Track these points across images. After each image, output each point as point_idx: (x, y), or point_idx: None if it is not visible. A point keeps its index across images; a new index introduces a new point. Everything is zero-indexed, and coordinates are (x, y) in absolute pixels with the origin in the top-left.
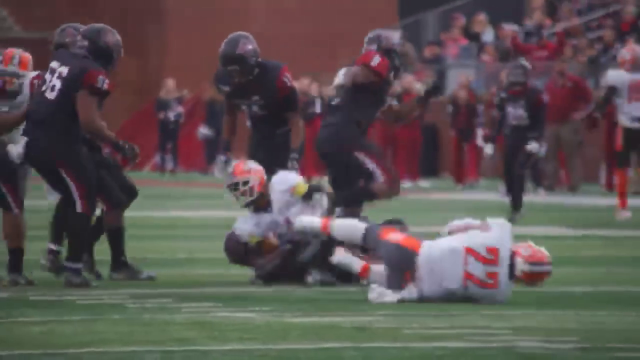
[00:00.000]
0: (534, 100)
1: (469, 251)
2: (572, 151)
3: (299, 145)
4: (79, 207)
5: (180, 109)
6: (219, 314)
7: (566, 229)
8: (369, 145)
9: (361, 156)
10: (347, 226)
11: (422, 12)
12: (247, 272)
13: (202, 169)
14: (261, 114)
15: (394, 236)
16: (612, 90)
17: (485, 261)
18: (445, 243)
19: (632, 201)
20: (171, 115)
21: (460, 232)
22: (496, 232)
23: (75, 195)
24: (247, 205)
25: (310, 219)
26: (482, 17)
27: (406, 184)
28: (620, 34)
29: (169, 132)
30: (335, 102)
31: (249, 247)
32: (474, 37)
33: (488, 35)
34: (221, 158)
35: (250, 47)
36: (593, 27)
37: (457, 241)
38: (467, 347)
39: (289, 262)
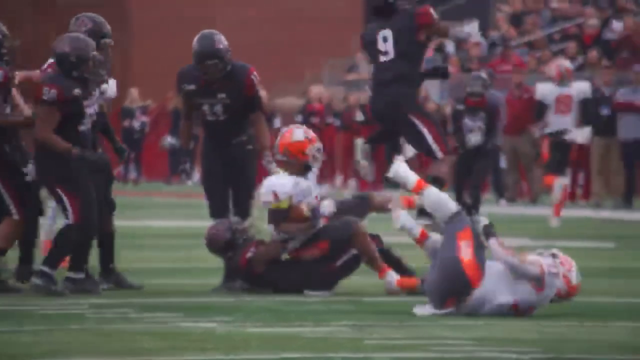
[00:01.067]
0: (491, 112)
1: (515, 307)
2: (530, 163)
3: (268, 144)
4: (71, 218)
5: (144, 119)
6: (180, 324)
7: (528, 240)
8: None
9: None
10: (440, 200)
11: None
12: (209, 281)
13: (166, 179)
14: (220, 119)
15: (465, 252)
16: (542, 104)
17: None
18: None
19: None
20: (135, 125)
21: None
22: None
23: (68, 205)
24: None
25: (406, 173)
26: None
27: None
28: (583, 47)
29: (133, 142)
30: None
31: (231, 241)
32: (437, 48)
33: (451, 47)
34: (184, 166)
35: (225, 43)
36: (556, 40)
37: (510, 294)
38: (427, 357)
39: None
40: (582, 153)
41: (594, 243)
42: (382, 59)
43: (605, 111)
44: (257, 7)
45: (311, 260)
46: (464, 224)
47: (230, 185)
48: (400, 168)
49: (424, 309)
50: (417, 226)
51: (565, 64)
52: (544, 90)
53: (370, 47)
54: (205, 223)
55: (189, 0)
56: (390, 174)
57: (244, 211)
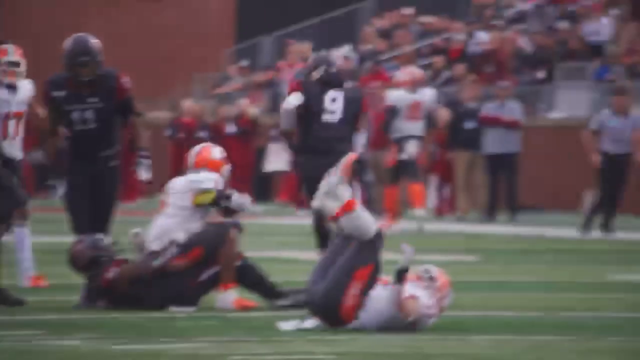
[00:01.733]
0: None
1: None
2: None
3: (145, 146)
4: None
5: None
6: (42, 342)
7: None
8: None
9: None
10: (363, 224)
11: (259, 36)
12: (72, 298)
13: (31, 195)
14: (90, 128)
15: (351, 294)
16: (392, 110)
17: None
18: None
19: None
20: None
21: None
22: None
23: None
24: None
25: (343, 188)
26: (302, 45)
27: None
28: (450, 61)
29: None
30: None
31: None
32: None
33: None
34: (51, 181)
35: (98, 45)
36: (424, 54)
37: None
38: None
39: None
40: (447, 167)
41: (458, 257)
42: (327, 118)
43: (469, 125)
44: (127, 22)
45: (175, 276)
46: (370, 259)
47: (93, 201)
48: (336, 180)
49: (288, 324)
50: None
51: (416, 71)
52: (396, 96)
53: (314, 100)
54: (68, 239)
55: (61, 11)
56: (324, 187)
57: (105, 228)
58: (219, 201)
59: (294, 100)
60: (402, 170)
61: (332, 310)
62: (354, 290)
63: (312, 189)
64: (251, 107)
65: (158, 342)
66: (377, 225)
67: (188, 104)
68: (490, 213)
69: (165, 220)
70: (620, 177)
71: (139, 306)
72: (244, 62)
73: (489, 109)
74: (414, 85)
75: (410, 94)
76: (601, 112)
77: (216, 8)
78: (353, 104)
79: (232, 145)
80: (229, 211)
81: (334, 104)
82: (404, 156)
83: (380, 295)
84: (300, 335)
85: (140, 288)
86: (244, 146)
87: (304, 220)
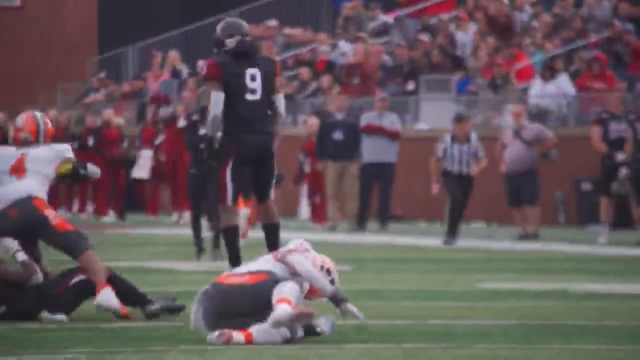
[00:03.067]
0: None
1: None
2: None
3: None
4: None
5: None
6: None
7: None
8: None
9: None
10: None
11: (122, 46)
12: None
13: None
14: None
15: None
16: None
17: None
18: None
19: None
20: None
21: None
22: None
23: None
24: None
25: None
26: (173, 54)
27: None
28: (316, 73)
29: None
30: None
31: None
32: (175, 73)
33: (186, 72)
34: None
35: None
36: (290, 66)
37: None
38: None
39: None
40: (317, 177)
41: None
42: (250, 97)
43: (337, 136)
44: None
45: (46, 284)
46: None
47: None
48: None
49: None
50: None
51: None
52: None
53: (235, 80)
54: None
55: None
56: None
57: None
58: (78, 169)
59: (219, 100)
60: None
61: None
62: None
63: (240, 175)
64: (116, 118)
65: (29, 353)
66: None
67: (52, 114)
68: (360, 222)
69: (26, 184)
70: (465, 190)
71: (10, 310)
72: (103, 73)
73: (368, 119)
74: None
75: None
76: (444, 139)
77: (78, 18)
78: (269, 77)
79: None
80: (80, 178)
81: (253, 82)
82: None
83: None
84: (173, 345)
85: (7, 297)
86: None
87: (178, 229)
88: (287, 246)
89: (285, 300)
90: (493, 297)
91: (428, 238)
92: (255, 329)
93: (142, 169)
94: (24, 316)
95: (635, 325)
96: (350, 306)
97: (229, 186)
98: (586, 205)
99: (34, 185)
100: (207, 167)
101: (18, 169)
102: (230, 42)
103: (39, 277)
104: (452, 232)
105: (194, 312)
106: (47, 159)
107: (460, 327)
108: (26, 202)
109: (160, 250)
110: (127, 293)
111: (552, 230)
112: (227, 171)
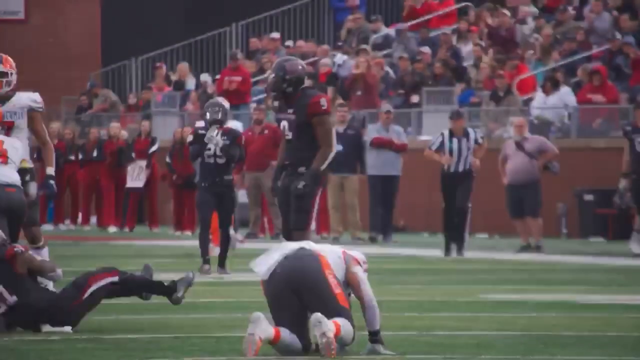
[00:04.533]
0: (234, 139)
1: None
2: (272, 198)
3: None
4: None
5: None
6: None
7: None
8: None
9: None
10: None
11: (126, 59)
12: None
13: None
14: None
15: None
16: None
17: None
18: None
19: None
20: None
21: None
22: None
23: None
24: None
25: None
26: (183, 66)
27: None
28: (318, 85)
29: None
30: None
31: None
32: (178, 85)
33: (191, 84)
34: None
35: None
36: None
37: None
38: None
39: None
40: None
41: None
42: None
43: (337, 148)
44: None
45: (61, 297)
46: None
47: None
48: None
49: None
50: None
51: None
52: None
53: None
54: None
55: None
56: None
57: None
58: (24, 175)
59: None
60: None
61: None
62: None
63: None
64: (121, 130)
65: None
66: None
67: (55, 126)
68: (385, 232)
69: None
70: (465, 192)
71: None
72: (88, 85)
73: (375, 132)
74: None
75: None
76: (442, 134)
77: (81, 31)
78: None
79: (100, 169)
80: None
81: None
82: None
83: None
84: (176, 357)
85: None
86: (109, 170)
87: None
88: (357, 255)
89: (337, 327)
90: (496, 308)
91: (430, 249)
92: (285, 332)
93: (135, 180)
94: (30, 315)
95: (638, 335)
96: (382, 349)
97: (314, 214)
98: (588, 217)
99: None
100: (220, 181)
101: None
102: (307, 82)
103: (59, 273)
104: (449, 243)
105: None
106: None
107: (463, 338)
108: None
109: (166, 261)
110: (147, 285)
111: (554, 241)
112: (316, 200)
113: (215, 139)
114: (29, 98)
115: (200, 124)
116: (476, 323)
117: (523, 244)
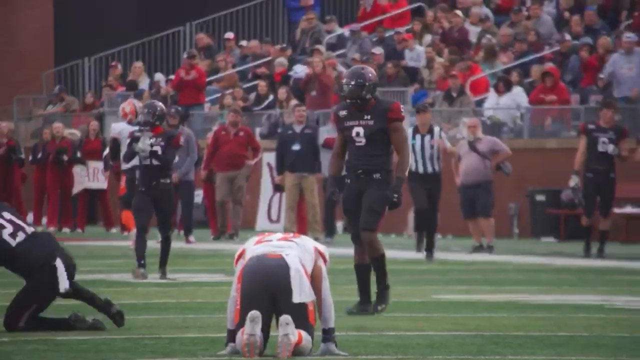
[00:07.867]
0: (168, 142)
1: None
2: (241, 198)
3: None
4: None
5: None
6: None
7: (223, 276)
8: None
9: None
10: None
11: (80, 58)
12: None
13: None
14: None
15: None
16: (116, 141)
17: None
18: None
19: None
20: None
21: None
22: None
23: None
24: None
25: None
26: (138, 65)
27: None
28: (272, 84)
29: None
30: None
31: None
32: (131, 85)
33: (145, 84)
34: None
35: None
36: (248, 78)
37: None
38: None
39: None
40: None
41: None
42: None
43: (295, 147)
44: None
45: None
46: None
47: None
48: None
49: None
50: None
51: (130, 104)
52: (119, 128)
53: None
54: None
55: None
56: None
57: None
58: None
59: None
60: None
61: None
62: None
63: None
64: (64, 130)
65: None
66: None
67: (6, 125)
68: (329, 230)
69: None
70: (434, 194)
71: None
72: (57, 88)
73: (325, 133)
74: (126, 117)
75: (130, 126)
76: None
77: (33, 29)
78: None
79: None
80: None
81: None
82: None
83: None
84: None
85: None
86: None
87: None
88: (323, 251)
89: (300, 338)
90: (449, 309)
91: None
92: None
93: (93, 181)
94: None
95: (588, 336)
96: (335, 350)
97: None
98: (540, 217)
99: None
100: (157, 185)
101: None
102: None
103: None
104: (428, 245)
105: None
106: None
107: (416, 338)
108: None
109: (118, 262)
110: (89, 299)
111: (506, 242)
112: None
113: (143, 148)
114: None
115: (116, 127)
116: (428, 323)
117: (475, 244)
